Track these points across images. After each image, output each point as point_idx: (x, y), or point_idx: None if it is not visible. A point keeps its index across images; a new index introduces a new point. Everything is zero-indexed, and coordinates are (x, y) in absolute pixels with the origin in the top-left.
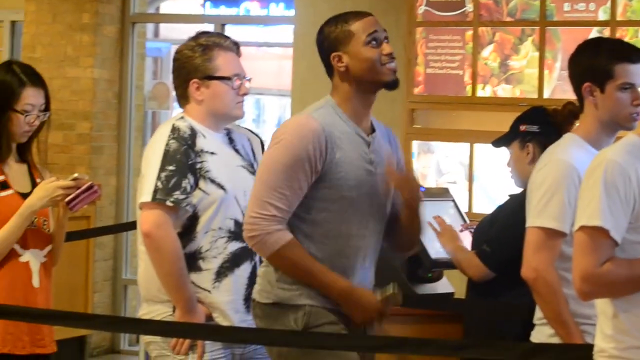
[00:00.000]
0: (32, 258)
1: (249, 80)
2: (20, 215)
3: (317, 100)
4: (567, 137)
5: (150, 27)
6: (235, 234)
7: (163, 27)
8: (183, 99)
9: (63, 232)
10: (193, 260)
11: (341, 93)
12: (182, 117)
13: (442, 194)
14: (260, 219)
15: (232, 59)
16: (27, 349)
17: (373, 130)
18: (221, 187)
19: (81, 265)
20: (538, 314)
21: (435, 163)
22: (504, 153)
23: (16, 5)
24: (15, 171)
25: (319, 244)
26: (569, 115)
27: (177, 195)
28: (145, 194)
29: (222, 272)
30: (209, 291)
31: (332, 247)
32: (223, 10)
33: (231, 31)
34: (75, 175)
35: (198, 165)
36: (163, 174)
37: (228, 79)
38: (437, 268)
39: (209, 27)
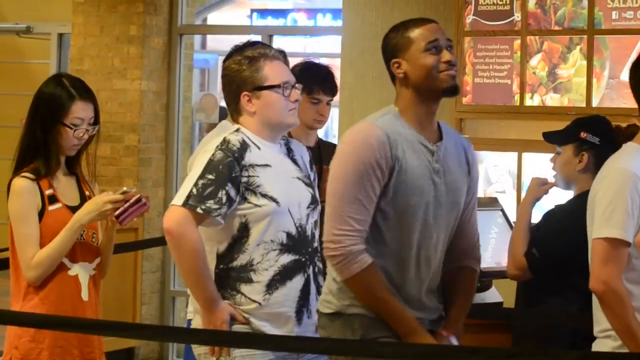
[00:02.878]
0: (81, 271)
1: (299, 87)
2: (69, 229)
3: (365, 111)
4: (628, 147)
5: (197, 38)
6: (288, 246)
7: (210, 38)
8: (236, 113)
9: (111, 245)
10: (244, 272)
11: (403, 101)
12: (237, 130)
13: (490, 203)
14: (343, 236)
15: (280, 67)
16: None
17: (441, 138)
18: (273, 200)
19: (129, 277)
20: (599, 326)
21: (484, 172)
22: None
23: (63, 18)
24: (64, 184)
25: (380, 251)
26: (630, 136)
27: (210, 204)
28: (178, 197)
29: (273, 285)
30: (259, 303)
31: (392, 255)
32: (270, 21)
33: (278, 42)
34: (124, 189)
35: (244, 179)
36: (201, 182)
37: (277, 87)
38: (485, 278)
39: (256, 39)
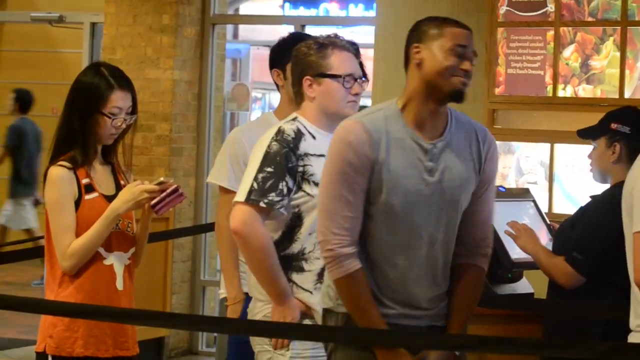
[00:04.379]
0: (116, 261)
1: (365, 81)
2: (106, 218)
3: None
4: None
5: (229, 28)
6: None
7: (242, 28)
8: (299, 96)
9: (146, 235)
10: (296, 261)
11: (408, 92)
12: (294, 118)
13: (522, 194)
14: (332, 235)
15: (347, 58)
16: (110, 352)
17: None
18: None
19: (160, 267)
20: (638, 320)
21: (516, 163)
22: (584, 153)
23: (96, 7)
24: (100, 174)
25: (367, 250)
26: None
27: (272, 196)
28: (240, 193)
29: (324, 274)
30: (310, 292)
31: (381, 255)
32: (302, 11)
33: (310, 32)
34: (161, 179)
35: (300, 169)
36: (260, 175)
37: (339, 77)
38: (517, 269)
39: (288, 29)
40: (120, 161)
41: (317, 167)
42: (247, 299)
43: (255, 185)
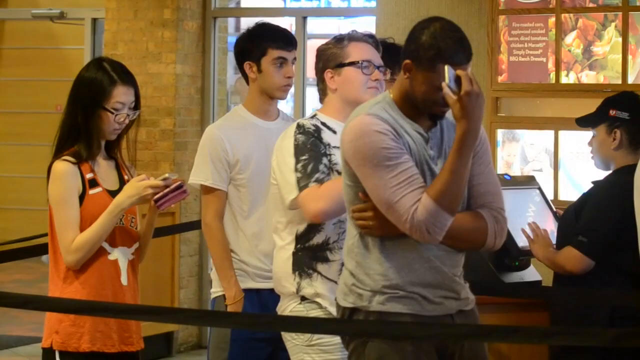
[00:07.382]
0: (120, 256)
1: (385, 71)
2: (110, 213)
3: None
4: None
5: (231, 21)
6: None
7: (244, 21)
8: (322, 92)
9: (151, 230)
10: (321, 252)
11: (398, 88)
12: (313, 116)
13: (527, 182)
14: (413, 207)
15: (364, 47)
16: (116, 347)
17: (435, 124)
18: None
19: (167, 261)
20: None
21: (521, 151)
22: (588, 139)
23: (96, 3)
24: (104, 169)
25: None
26: None
27: (318, 175)
28: (291, 191)
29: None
30: (335, 282)
31: None
32: (303, 3)
33: (312, 24)
34: (166, 175)
35: (327, 157)
36: (299, 165)
37: (357, 63)
38: (524, 256)
39: (290, 20)
40: (124, 156)
41: (339, 157)
42: (247, 296)
43: (298, 174)
